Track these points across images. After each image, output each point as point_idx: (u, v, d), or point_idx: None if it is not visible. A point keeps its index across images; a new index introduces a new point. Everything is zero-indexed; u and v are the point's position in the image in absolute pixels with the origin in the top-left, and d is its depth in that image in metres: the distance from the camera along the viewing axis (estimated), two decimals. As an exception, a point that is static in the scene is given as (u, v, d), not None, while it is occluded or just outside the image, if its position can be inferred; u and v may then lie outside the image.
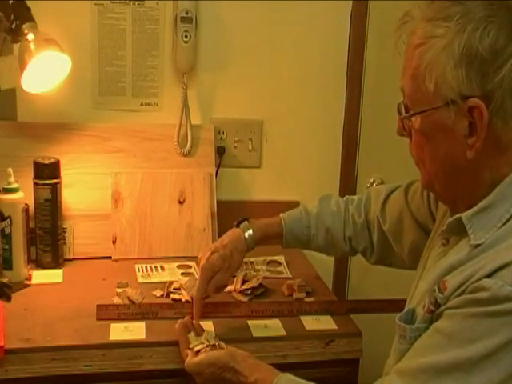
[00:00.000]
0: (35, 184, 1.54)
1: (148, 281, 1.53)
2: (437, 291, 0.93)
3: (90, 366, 1.23)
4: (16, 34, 1.45)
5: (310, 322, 1.37)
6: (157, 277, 1.55)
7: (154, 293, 1.45)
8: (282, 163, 1.88)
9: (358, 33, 1.83)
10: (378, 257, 1.37)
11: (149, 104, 1.77)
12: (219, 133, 1.82)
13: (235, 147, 1.84)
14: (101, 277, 1.53)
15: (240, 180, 1.86)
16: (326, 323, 1.37)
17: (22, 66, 1.45)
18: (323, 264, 1.82)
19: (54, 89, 1.56)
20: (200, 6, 1.71)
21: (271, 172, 1.88)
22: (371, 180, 1.94)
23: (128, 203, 1.67)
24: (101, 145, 1.69)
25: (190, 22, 1.67)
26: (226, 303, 1.42)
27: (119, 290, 1.44)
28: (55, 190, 1.54)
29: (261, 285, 1.49)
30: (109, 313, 1.34)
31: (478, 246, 0.92)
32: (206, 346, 1.17)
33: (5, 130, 1.63)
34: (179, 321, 1.29)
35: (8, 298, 1.25)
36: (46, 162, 1.55)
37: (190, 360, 1.15)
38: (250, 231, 1.35)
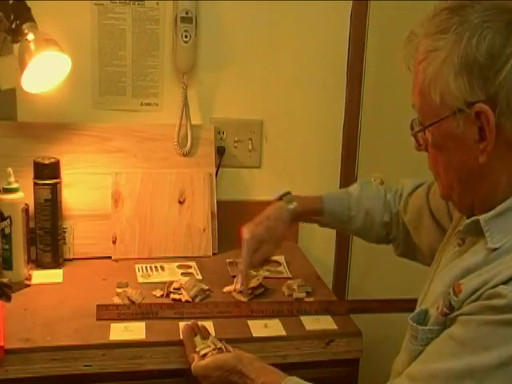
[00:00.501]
0: (35, 184, 1.54)
1: (148, 281, 1.53)
2: (451, 294, 0.92)
3: (90, 366, 1.23)
4: (16, 34, 1.44)
5: (310, 322, 1.37)
6: (157, 277, 1.55)
7: (154, 293, 1.45)
8: (282, 163, 1.88)
9: (358, 33, 1.83)
10: (403, 248, 1.39)
11: (149, 104, 1.77)
12: (219, 133, 1.81)
13: (235, 147, 1.84)
14: (101, 277, 1.53)
15: (240, 180, 1.86)
16: (325, 323, 1.37)
17: (22, 66, 1.45)
18: (323, 264, 1.83)
19: (53, 89, 1.56)
20: (200, 6, 1.71)
21: (271, 172, 1.88)
22: (371, 180, 1.93)
23: (128, 203, 1.67)
24: (101, 145, 1.69)
25: (190, 22, 1.67)
26: (226, 303, 1.42)
27: (119, 290, 1.44)
28: (55, 190, 1.54)
29: (261, 285, 1.49)
30: (109, 313, 1.34)
31: (495, 249, 0.91)
32: (213, 350, 1.17)
33: (5, 130, 1.63)
34: (185, 324, 1.28)
35: (8, 298, 1.25)
36: (46, 161, 1.55)
37: (197, 363, 1.15)
38: (293, 204, 1.35)
